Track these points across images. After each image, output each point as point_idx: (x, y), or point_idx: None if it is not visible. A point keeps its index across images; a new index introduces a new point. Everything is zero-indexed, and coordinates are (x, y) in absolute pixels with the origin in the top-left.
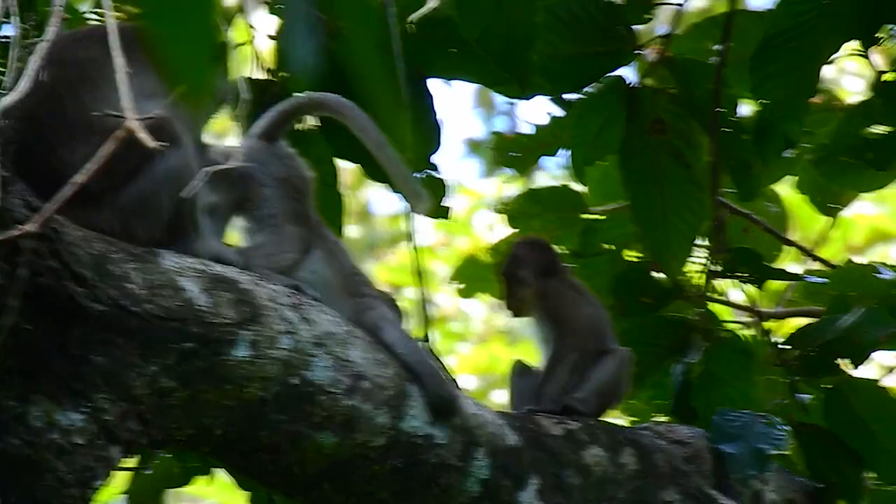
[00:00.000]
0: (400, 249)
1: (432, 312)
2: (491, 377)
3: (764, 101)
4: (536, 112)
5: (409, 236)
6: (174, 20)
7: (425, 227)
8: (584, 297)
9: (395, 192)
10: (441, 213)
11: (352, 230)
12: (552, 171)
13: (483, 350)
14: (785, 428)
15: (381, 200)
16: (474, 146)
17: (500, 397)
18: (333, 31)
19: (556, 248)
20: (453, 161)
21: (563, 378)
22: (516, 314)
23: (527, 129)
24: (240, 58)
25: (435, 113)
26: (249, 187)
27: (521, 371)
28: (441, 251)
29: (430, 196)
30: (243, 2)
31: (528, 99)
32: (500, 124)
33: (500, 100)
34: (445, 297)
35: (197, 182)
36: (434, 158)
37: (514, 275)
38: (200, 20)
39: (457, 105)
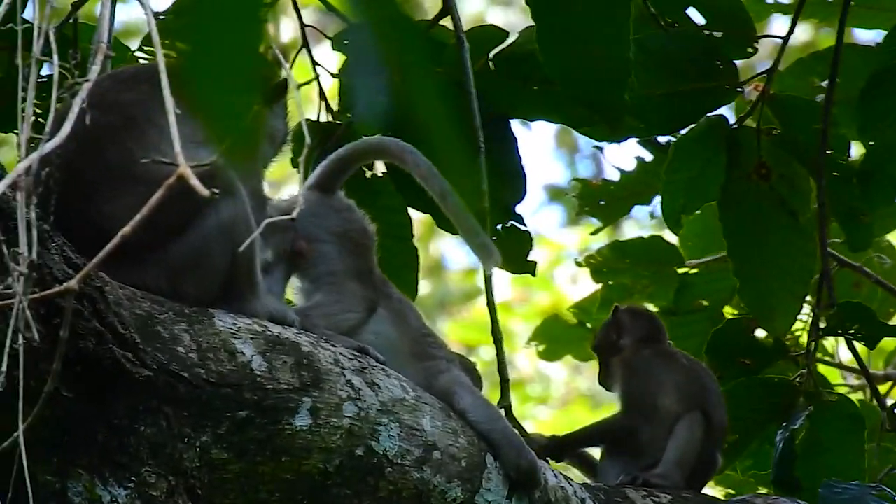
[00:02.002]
0: (474, 305)
1: (510, 375)
2: None
3: (871, 143)
4: (624, 156)
5: (485, 292)
6: (216, 69)
7: (502, 281)
8: (667, 364)
9: (465, 245)
10: (526, 268)
11: (422, 285)
12: (640, 221)
13: (564, 414)
14: None
15: (454, 253)
16: (555, 193)
17: None
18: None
19: (648, 305)
20: (531, 209)
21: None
22: (611, 387)
23: (614, 174)
24: (301, 98)
25: (519, 158)
26: (304, 243)
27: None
28: (519, 307)
29: (514, 250)
30: (305, 37)
31: (618, 142)
32: (584, 168)
33: (583, 142)
34: (524, 358)
35: (253, 236)
36: (518, 208)
37: (614, 344)
38: (244, 70)
39: (535, 147)
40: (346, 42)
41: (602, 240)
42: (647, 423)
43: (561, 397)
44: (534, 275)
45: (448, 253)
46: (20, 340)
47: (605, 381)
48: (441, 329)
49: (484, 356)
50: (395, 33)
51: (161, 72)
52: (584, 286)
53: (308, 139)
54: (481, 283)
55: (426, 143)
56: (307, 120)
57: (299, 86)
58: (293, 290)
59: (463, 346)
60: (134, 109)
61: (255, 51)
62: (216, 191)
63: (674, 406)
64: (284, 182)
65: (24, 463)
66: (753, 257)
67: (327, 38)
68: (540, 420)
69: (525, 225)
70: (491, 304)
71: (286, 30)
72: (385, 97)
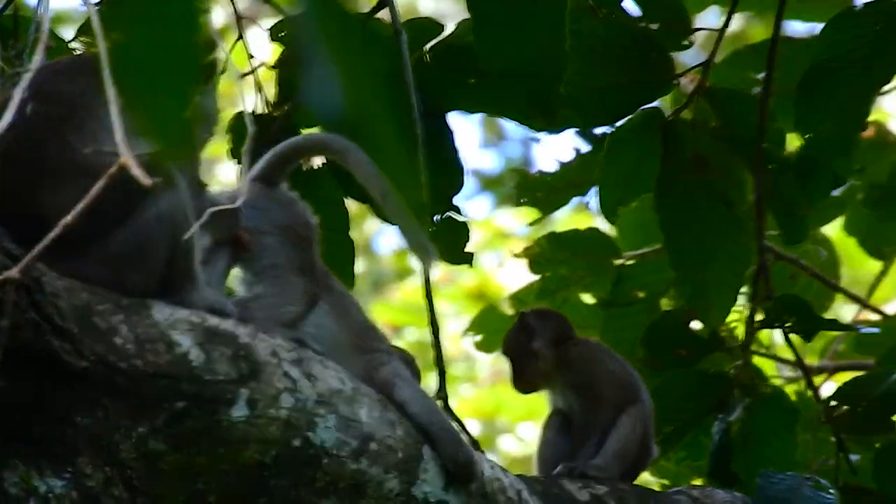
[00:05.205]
0: (403, 286)
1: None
2: (498, 423)
3: (809, 136)
4: (559, 144)
5: (424, 288)
6: (152, 60)
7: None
8: (603, 354)
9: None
10: (464, 259)
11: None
12: (574, 211)
13: (489, 394)
14: (833, 491)
15: (386, 236)
16: (484, 181)
17: (508, 444)
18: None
19: (585, 296)
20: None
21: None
22: (528, 390)
23: (547, 164)
24: (239, 88)
25: (456, 150)
26: (246, 234)
27: (557, 427)
28: (444, 288)
29: (451, 241)
30: (241, 28)
31: (556, 133)
32: (512, 152)
33: (510, 128)
34: (448, 339)
35: (193, 227)
36: (456, 199)
37: (527, 349)
38: (181, 62)
39: (462, 133)
40: (283, 33)
41: (526, 224)
42: (591, 412)
43: (486, 377)
44: (471, 265)
45: (379, 236)
46: None
47: (520, 384)
48: (371, 311)
49: (409, 338)
50: (332, 25)
51: (101, 62)
52: (510, 270)
53: (251, 129)
54: (412, 264)
55: (365, 136)
56: (243, 111)
57: (242, 75)
58: (236, 281)
59: (390, 328)
60: (73, 100)
61: (192, 41)
62: (157, 180)
63: (613, 397)
64: (214, 163)
65: None
66: (689, 249)
67: (259, 27)
68: (465, 399)
69: (462, 216)
70: (429, 298)
71: (217, 17)
72: (333, 89)
